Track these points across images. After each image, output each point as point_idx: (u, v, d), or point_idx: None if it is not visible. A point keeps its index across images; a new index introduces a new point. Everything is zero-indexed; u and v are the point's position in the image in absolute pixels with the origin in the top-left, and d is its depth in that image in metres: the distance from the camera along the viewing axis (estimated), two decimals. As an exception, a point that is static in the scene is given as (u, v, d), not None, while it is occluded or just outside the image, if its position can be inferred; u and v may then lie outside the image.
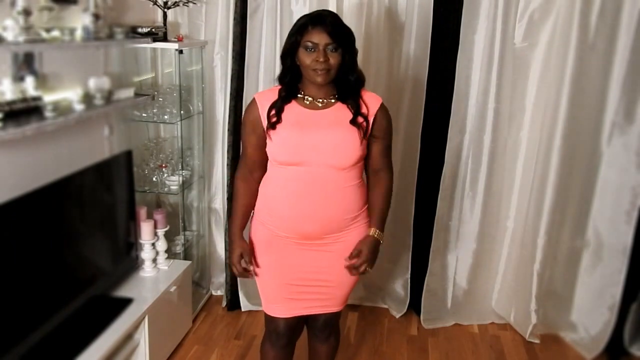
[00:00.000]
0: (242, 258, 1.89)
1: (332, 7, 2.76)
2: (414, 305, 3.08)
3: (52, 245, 2.06)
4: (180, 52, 2.75)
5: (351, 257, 1.85)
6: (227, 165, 2.95)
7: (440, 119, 2.81)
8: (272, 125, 1.80)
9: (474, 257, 3.01)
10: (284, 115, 1.80)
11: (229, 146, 2.92)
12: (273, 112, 1.80)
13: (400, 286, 3.12)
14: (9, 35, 1.78)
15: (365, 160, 1.88)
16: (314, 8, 2.74)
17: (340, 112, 1.81)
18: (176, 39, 2.71)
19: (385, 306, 3.18)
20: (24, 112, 1.87)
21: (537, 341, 2.89)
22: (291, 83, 1.82)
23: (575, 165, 2.75)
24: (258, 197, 1.93)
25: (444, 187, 2.88)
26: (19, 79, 1.93)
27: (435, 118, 2.82)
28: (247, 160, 1.92)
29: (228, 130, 2.92)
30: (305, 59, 1.73)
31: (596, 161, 2.76)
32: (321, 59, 1.71)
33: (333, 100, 1.82)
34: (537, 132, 2.80)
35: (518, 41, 2.72)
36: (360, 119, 1.79)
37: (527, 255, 2.88)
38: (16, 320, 1.87)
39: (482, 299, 3.09)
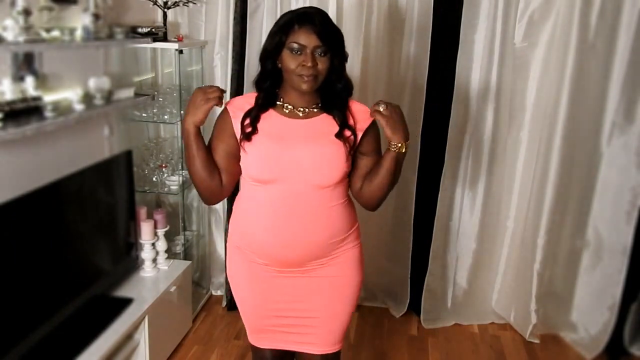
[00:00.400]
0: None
1: (332, 7, 2.76)
2: (414, 305, 3.08)
3: (52, 245, 2.06)
4: (180, 52, 2.75)
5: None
6: (227, 165, 2.95)
7: (440, 119, 2.81)
8: (247, 136, 1.57)
9: (474, 257, 3.01)
10: (260, 125, 1.57)
11: (229, 146, 2.92)
12: (248, 121, 1.58)
13: (400, 286, 3.12)
14: (9, 35, 1.78)
15: (352, 177, 1.66)
16: (314, 8, 2.74)
17: (325, 123, 1.59)
18: (176, 39, 2.71)
19: (385, 306, 3.18)
20: (24, 112, 1.87)
21: (537, 341, 2.89)
22: (270, 89, 1.60)
23: (575, 165, 2.75)
24: (231, 218, 1.73)
25: (444, 187, 2.88)
26: (19, 79, 1.93)
27: (435, 118, 2.82)
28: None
29: (228, 130, 2.91)
30: (290, 62, 1.51)
31: (596, 161, 2.76)
32: (309, 64, 1.49)
33: (316, 110, 1.61)
34: (537, 132, 2.80)
35: (518, 41, 2.72)
36: (347, 132, 1.58)
37: (527, 255, 2.88)
38: (16, 320, 1.87)
39: (482, 299, 3.09)
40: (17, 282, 1.87)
